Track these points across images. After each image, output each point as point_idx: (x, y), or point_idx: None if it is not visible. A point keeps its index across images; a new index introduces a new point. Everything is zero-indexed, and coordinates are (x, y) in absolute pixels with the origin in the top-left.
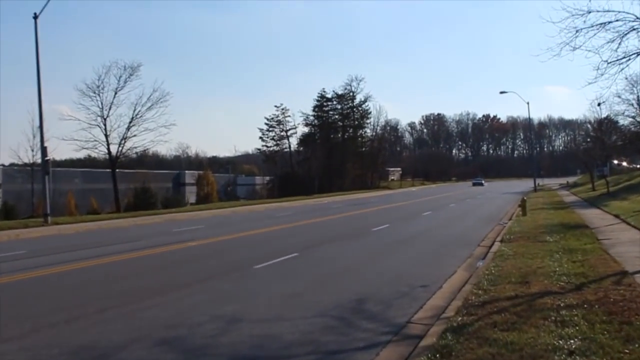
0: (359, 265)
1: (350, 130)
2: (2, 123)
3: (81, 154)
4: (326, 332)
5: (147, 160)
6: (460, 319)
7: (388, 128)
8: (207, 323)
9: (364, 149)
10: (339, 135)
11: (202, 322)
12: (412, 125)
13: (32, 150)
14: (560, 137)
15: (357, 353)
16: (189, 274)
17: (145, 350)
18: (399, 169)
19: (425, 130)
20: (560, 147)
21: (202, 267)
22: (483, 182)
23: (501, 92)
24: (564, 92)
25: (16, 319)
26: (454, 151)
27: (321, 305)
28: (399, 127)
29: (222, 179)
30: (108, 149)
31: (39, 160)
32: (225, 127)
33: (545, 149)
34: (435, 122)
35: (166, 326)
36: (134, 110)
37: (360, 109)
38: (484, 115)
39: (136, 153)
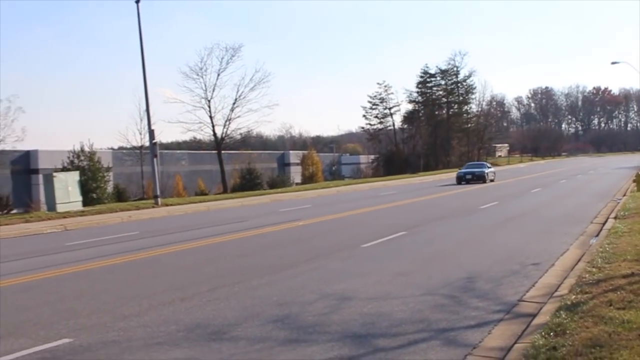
0: (467, 243)
1: (455, 107)
2: (110, 107)
3: (187, 136)
4: (436, 310)
5: (252, 141)
6: (574, 297)
7: (494, 103)
8: (318, 301)
9: (469, 125)
10: (444, 111)
11: (313, 301)
12: (519, 99)
13: (140, 134)
14: None
15: (469, 331)
16: (297, 253)
17: (258, 328)
18: (506, 144)
19: (532, 104)
20: None
21: (310, 246)
22: (486, 171)
23: (612, 63)
24: None
25: (134, 297)
26: (563, 125)
27: (430, 283)
28: (505, 101)
29: (326, 159)
30: (213, 130)
31: (147, 143)
32: (328, 106)
33: None
34: (543, 96)
35: (278, 304)
36: (237, 92)
37: (464, 84)
38: (594, 88)
39: (241, 134)
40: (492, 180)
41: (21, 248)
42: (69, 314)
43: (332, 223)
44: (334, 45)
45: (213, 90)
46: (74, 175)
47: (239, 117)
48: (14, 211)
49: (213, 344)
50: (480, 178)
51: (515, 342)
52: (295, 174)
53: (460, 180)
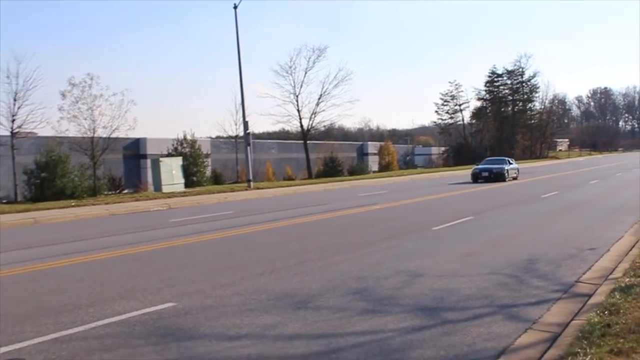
0: (529, 229)
1: (520, 104)
2: (210, 100)
3: (276, 127)
4: (500, 288)
5: (334, 133)
6: (627, 280)
7: (556, 102)
8: (392, 277)
9: (532, 121)
10: (509, 108)
11: (387, 276)
12: (579, 98)
13: (235, 124)
14: None
15: (529, 307)
16: (374, 234)
17: (339, 298)
18: (566, 139)
19: (592, 103)
20: None
21: (386, 227)
22: (506, 168)
23: None
24: None
25: (229, 269)
26: (620, 123)
27: (495, 263)
28: (566, 100)
29: (401, 149)
30: (300, 122)
31: (242, 133)
32: (404, 102)
33: None
34: (602, 96)
35: (356, 278)
36: (322, 88)
37: (529, 84)
38: None
39: (324, 126)
40: (514, 179)
41: (132, 223)
42: (172, 282)
43: (406, 207)
44: (410, 46)
45: (300, 87)
46: (178, 161)
47: (323, 111)
48: (125, 191)
49: (299, 312)
50: (498, 176)
51: (572, 319)
52: (373, 163)
53: (476, 178)
